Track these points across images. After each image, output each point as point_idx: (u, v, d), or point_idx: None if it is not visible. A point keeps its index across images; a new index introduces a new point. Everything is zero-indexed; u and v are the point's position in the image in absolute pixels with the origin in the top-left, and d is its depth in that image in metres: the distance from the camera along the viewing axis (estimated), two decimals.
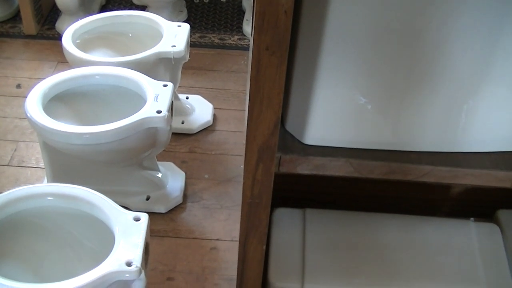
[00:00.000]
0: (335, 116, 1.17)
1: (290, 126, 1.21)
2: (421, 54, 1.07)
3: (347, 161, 1.19)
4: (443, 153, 1.22)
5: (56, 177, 2.38)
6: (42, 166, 2.61)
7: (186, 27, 2.69)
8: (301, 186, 1.75)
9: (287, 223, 1.68)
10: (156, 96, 2.23)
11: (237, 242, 1.31)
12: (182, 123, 2.92)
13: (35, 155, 2.78)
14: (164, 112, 2.15)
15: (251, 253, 1.17)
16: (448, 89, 1.12)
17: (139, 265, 1.64)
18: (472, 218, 1.74)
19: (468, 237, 1.69)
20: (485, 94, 1.14)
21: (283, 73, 0.96)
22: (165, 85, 2.29)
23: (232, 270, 2.26)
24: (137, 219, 1.77)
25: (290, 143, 1.18)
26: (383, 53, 1.08)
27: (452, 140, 1.21)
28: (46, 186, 2.01)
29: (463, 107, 1.16)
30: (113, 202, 1.83)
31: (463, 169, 1.20)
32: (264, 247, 1.16)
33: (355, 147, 1.21)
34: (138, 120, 2.12)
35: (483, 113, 1.17)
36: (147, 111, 2.16)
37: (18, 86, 3.23)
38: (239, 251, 1.16)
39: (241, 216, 1.09)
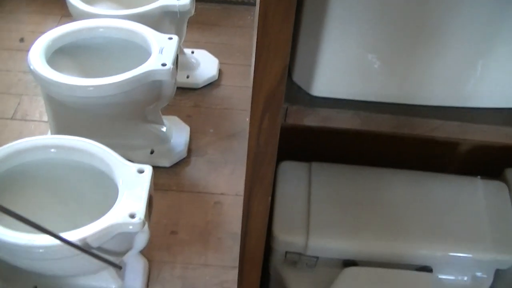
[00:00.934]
0: (343, 67, 1.14)
1: (297, 77, 1.19)
2: (433, 7, 1.04)
3: (355, 113, 1.16)
4: (453, 108, 1.20)
5: (60, 131, 2.37)
6: (46, 120, 2.61)
7: None
8: (307, 141, 1.73)
9: (293, 177, 1.66)
10: (161, 49, 2.20)
11: (242, 197, 1.29)
12: (187, 77, 2.90)
13: (39, 109, 2.77)
14: (169, 65, 2.13)
15: (256, 205, 1.15)
16: (461, 43, 1.10)
17: (142, 217, 1.63)
18: (479, 176, 1.73)
19: (475, 195, 1.67)
20: (498, 50, 1.11)
21: (291, 18, 0.93)
22: (170, 38, 2.27)
23: (235, 225, 2.26)
24: (141, 171, 1.76)
25: (297, 94, 1.16)
26: (393, 4, 1.05)
27: (463, 95, 1.19)
28: (49, 138, 2.00)
29: (476, 61, 1.13)
30: (117, 155, 1.82)
31: (473, 125, 1.18)
32: (270, 199, 1.14)
33: (363, 99, 1.18)
34: (142, 73, 2.10)
35: (496, 68, 1.14)
36: (152, 64, 2.14)
37: (21, 40, 3.20)
38: (243, 203, 1.14)
39: (247, 167, 1.07)
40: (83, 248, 1.62)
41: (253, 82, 0.96)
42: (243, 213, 1.18)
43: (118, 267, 1.91)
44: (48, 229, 1.46)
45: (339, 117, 1.17)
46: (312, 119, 1.16)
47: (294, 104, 1.14)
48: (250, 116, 1.00)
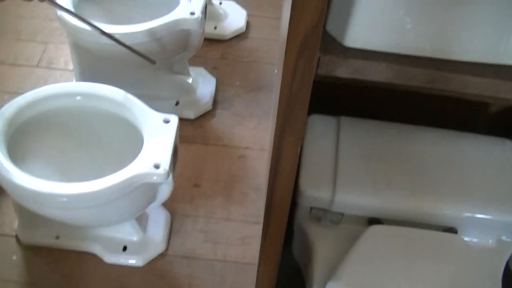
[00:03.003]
0: (378, 18, 1.11)
1: (330, 27, 1.16)
2: None
3: (388, 66, 1.14)
4: (488, 65, 1.17)
5: (85, 79, 2.36)
6: (71, 68, 2.60)
7: None
8: (338, 95, 1.71)
9: (321, 130, 1.64)
10: None
11: (266, 152, 1.27)
12: (215, 28, 2.87)
13: (64, 57, 2.76)
14: (198, 14, 2.10)
15: (285, 155, 1.13)
16: None
17: (167, 167, 1.62)
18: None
19: (503, 156, 1.65)
20: None
21: None
22: None
23: (259, 179, 2.25)
24: (166, 121, 1.75)
25: (330, 44, 1.13)
26: None
27: (498, 51, 1.16)
28: (75, 85, 1.99)
29: None
30: (143, 104, 1.81)
31: (507, 82, 1.15)
32: (299, 149, 1.12)
33: (397, 52, 1.16)
34: (170, 21, 2.09)
35: None
36: (180, 12, 2.12)
37: None
38: (272, 153, 1.12)
39: (277, 114, 1.05)
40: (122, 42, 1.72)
41: (289, 25, 0.93)
42: (271, 163, 1.16)
43: (153, 62, 2.00)
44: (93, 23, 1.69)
45: (371, 69, 1.15)
46: (345, 70, 1.14)
47: (326, 54, 1.12)
48: (284, 61, 0.97)
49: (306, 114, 1.08)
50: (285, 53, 0.96)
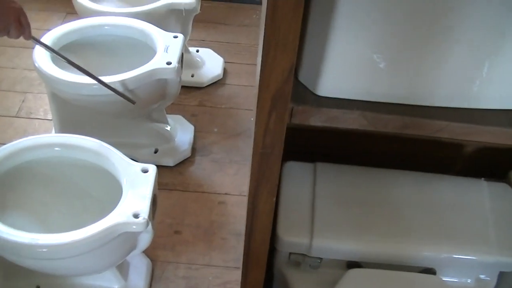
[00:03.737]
0: (349, 67, 1.13)
1: (303, 77, 1.18)
2: (440, 9, 1.04)
3: (361, 114, 1.16)
4: (459, 109, 1.19)
5: (64, 129, 2.37)
6: (50, 118, 2.61)
7: None
8: (312, 141, 1.72)
9: (298, 177, 1.65)
10: (166, 48, 2.20)
11: (246, 197, 1.28)
12: (192, 76, 2.89)
13: (43, 107, 2.77)
14: (174, 64, 2.12)
15: (261, 205, 1.14)
16: (467, 44, 1.09)
17: (146, 217, 1.63)
18: (483, 178, 1.72)
19: (480, 196, 1.67)
20: (505, 51, 1.10)
21: (300, 16, 0.93)
22: (175, 37, 2.27)
23: (240, 225, 2.26)
24: (145, 171, 1.76)
25: (303, 94, 1.15)
26: (400, 4, 1.04)
27: (469, 96, 1.18)
28: (53, 137, 2.00)
29: (482, 63, 1.12)
30: (121, 154, 1.82)
31: (479, 126, 1.17)
32: (275, 199, 1.14)
33: (369, 100, 1.18)
34: (147, 71, 2.10)
35: (502, 69, 1.13)
36: (157, 62, 2.14)
37: None
38: (248, 203, 1.13)
39: (252, 166, 1.06)
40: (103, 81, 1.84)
41: (260, 80, 0.95)
42: (248, 213, 1.17)
43: (132, 102, 2.06)
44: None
45: (345, 117, 1.16)
46: (318, 119, 1.16)
47: (299, 104, 1.13)
48: (256, 115, 0.99)
49: (280, 165, 1.09)
50: (257, 107, 0.98)
